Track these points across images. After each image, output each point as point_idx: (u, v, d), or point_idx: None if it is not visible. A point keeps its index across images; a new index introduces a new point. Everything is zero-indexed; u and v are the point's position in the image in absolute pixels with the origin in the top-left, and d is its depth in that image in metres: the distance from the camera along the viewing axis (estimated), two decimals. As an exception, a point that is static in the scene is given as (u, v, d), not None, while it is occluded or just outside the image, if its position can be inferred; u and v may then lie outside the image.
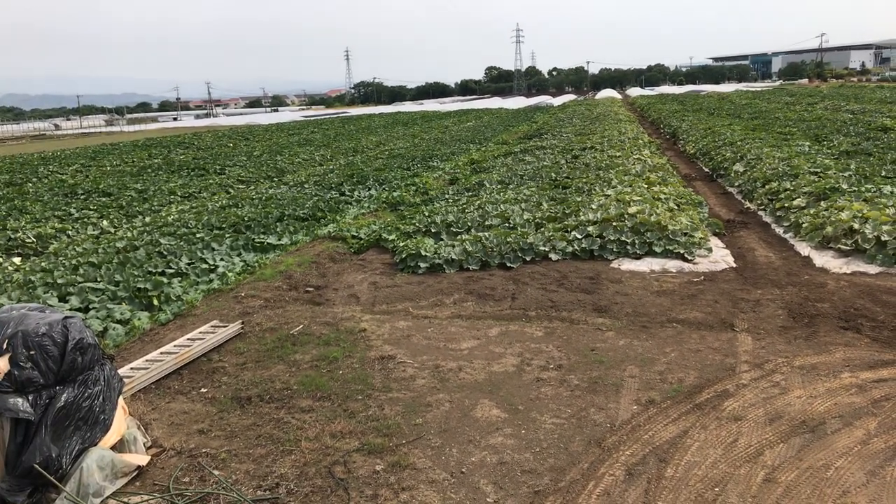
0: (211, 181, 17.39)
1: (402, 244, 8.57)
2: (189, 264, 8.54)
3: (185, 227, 10.54)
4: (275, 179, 17.58)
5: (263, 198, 13.43)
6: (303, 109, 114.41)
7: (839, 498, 3.36)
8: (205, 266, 8.54)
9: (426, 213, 10.43)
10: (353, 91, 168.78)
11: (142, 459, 3.89)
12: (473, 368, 5.13)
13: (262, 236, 10.05)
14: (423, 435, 4.15)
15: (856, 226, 7.58)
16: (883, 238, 7.21)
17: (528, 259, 8.09)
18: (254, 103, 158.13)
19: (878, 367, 4.79)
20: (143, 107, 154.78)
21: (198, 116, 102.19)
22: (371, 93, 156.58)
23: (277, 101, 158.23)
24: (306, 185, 15.17)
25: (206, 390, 4.95)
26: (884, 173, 10.98)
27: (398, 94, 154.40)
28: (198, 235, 9.81)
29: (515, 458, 3.86)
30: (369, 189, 14.79)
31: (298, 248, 9.30)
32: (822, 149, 14.48)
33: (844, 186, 9.51)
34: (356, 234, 9.73)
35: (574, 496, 3.46)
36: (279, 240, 9.94)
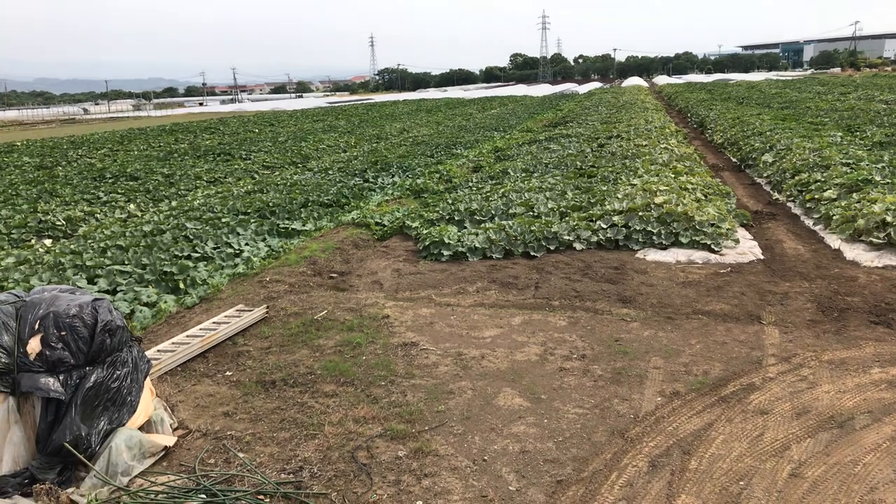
0: (236, 166, 17.52)
1: (425, 231, 8.57)
2: (215, 249, 8.62)
3: (210, 212, 10.63)
4: (299, 165, 17.66)
5: (288, 183, 13.50)
6: (327, 96, 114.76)
7: (867, 494, 3.30)
8: (230, 251, 8.62)
9: (450, 201, 10.41)
10: (377, 77, 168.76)
11: (168, 440, 3.95)
12: (496, 357, 5.13)
13: (286, 222, 10.12)
14: (446, 422, 4.16)
15: (889, 218, 7.42)
16: (916, 231, 7.06)
17: (552, 248, 8.05)
18: (279, 89, 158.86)
19: (909, 362, 4.70)
20: (170, 92, 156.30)
21: (223, 102, 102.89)
22: (395, 79, 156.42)
23: (302, 88, 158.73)
24: (330, 172, 15.22)
25: (231, 373, 5.01)
26: (918, 165, 10.72)
27: (422, 80, 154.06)
28: (223, 220, 9.90)
29: (538, 447, 3.86)
30: (393, 176, 14.80)
31: (322, 234, 9.35)
32: (855, 139, 14.19)
33: (877, 178, 9.31)
34: (379, 221, 9.75)
35: (597, 486, 3.45)
36: (303, 225, 10.00)
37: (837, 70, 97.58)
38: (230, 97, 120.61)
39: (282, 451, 3.90)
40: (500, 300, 6.46)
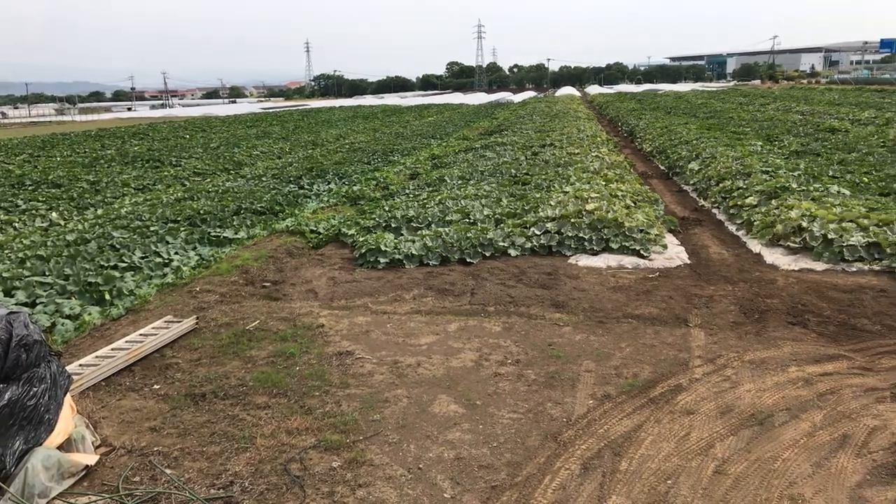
0: (166, 173, 17.03)
1: (361, 239, 8.52)
2: (142, 258, 8.34)
3: (138, 220, 10.29)
4: (232, 172, 17.30)
5: (220, 191, 13.21)
6: (261, 101, 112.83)
7: (786, 489, 3.45)
8: (159, 260, 8.36)
9: (386, 208, 10.39)
10: (312, 83, 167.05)
11: (90, 459, 3.79)
12: (432, 364, 5.13)
13: (218, 230, 9.88)
14: (381, 431, 4.13)
15: (804, 224, 7.80)
16: (829, 236, 7.44)
17: (487, 254, 8.12)
18: (211, 94, 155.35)
19: (823, 361, 4.95)
20: (96, 96, 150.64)
21: (153, 107, 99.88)
22: (331, 86, 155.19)
23: (235, 93, 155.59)
24: (264, 179, 14.96)
25: (158, 387, 4.85)
26: (831, 173, 11.34)
27: (359, 87, 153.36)
28: (152, 228, 9.60)
29: (473, 453, 3.87)
30: (329, 183, 14.66)
31: (255, 243, 9.17)
32: (774, 148, 14.87)
33: (794, 185, 9.78)
34: (315, 229, 9.63)
35: (530, 491, 3.49)
36: (236, 234, 9.79)
37: (758, 82, 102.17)
38: (160, 102, 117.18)
39: (211, 466, 3.79)
40: (437, 307, 6.47)
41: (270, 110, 63.62)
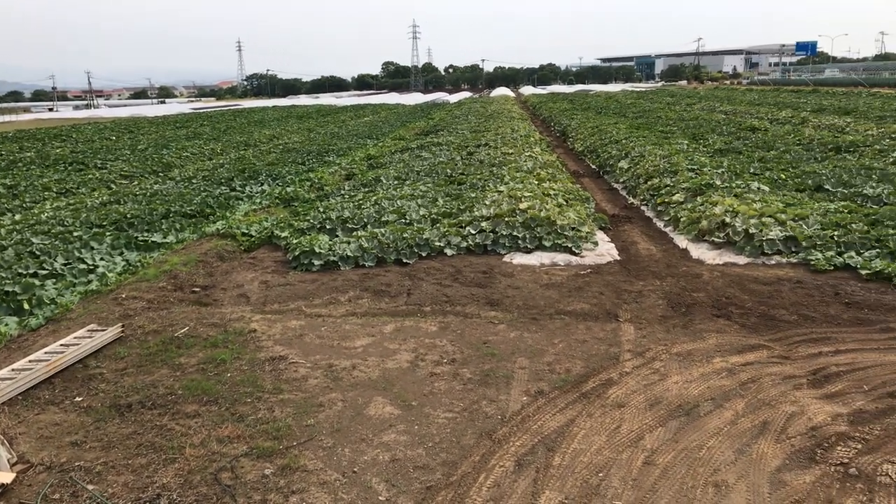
0: (91, 176, 16.37)
1: (295, 241, 8.39)
2: (65, 265, 8.00)
3: (60, 226, 9.87)
4: (161, 174, 16.78)
5: (148, 193, 12.79)
6: (192, 101, 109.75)
7: (710, 476, 3.57)
8: (83, 266, 8.04)
9: (321, 209, 10.26)
10: (245, 83, 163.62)
11: (5, 477, 3.61)
12: (367, 366, 5.10)
13: (146, 234, 9.58)
14: (315, 436, 4.08)
15: (727, 220, 8.11)
16: (751, 231, 7.75)
17: (423, 254, 8.12)
18: (139, 94, 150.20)
19: (745, 351, 5.15)
20: (14, 96, 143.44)
21: (77, 107, 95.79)
22: (264, 85, 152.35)
23: (165, 93, 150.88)
24: (194, 181, 14.57)
25: (81, 399, 4.65)
26: (752, 170, 11.82)
27: (293, 87, 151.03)
28: (75, 234, 9.21)
29: (408, 454, 3.87)
30: (262, 184, 14.39)
31: (185, 247, 8.91)
32: (699, 147, 15.40)
33: (718, 183, 10.15)
34: (246, 232, 9.43)
35: (465, 489, 3.51)
36: (164, 238, 9.50)
37: (684, 83, 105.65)
38: (85, 102, 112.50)
39: (137, 479, 3.66)
40: (373, 308, 6.43)
41: (201, 110, 61.98)
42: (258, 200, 12.58)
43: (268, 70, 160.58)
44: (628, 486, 3.50)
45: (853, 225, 7.80)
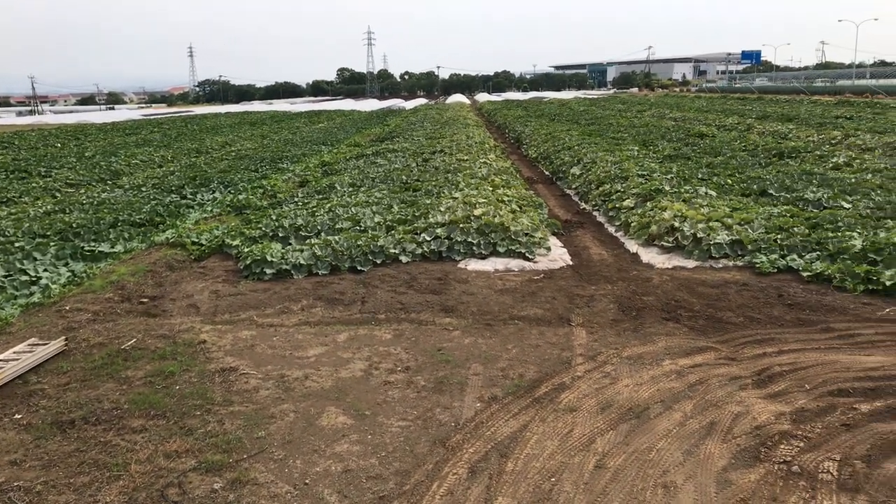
0: (34, 184, 15.84)
1: (246, 250, 8.26)
2: (5, 276, 7.73)
3: (1, 236, 9.52)
4: (109, 182, 16.35)
5: (95, 202, 12.46)
6: (142, 108, 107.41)
7: (660, 478, 3.63)
8: (24, 278, 7.77)
9: (274, 217, 10.14)
10: (197, 89, 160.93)
11: (-62, 500, 3.46)
12: (320, 376, 5.05)
13: (92, 244, 9.31)
14: (266, 448, 4.01)
15: (676, 224, 8.29)
16: (698, 235, 7.94)
17: (378, 262, 8.08)
18: (87, 100, 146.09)
19: (693, 353, 5.26)
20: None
21: (20, 113, 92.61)
22: (217, 91, 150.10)
23: (114, 99, 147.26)
24: (144, 188, 14.25)
25: (20, 416, 4.49)
26: (700, 176, 12.12)
27: (246, 93, 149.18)
28: (17, 244, 8.89)
29: (361, 464, 3.83)
30: (213, 192, 14.16)
31: (133, 256, 8.70)
32: (649, 153, 15.73)
33: (667, 188, 10.38)
34: (197, 240, 9.25)
35: (418, 498, 3.50)
36: (112, 247, 9.26)
37: (636, 90, 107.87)
38: (29, 108, 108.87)
39: (79, 499, 3.55)
40: (326, 317, 6.38)
41: (152, 117, 60.69)
42: (209, 208, 12.37)
43: (221, 76, 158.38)
44: (580, 490, 3.54)
45: (795, 228, 8.06)
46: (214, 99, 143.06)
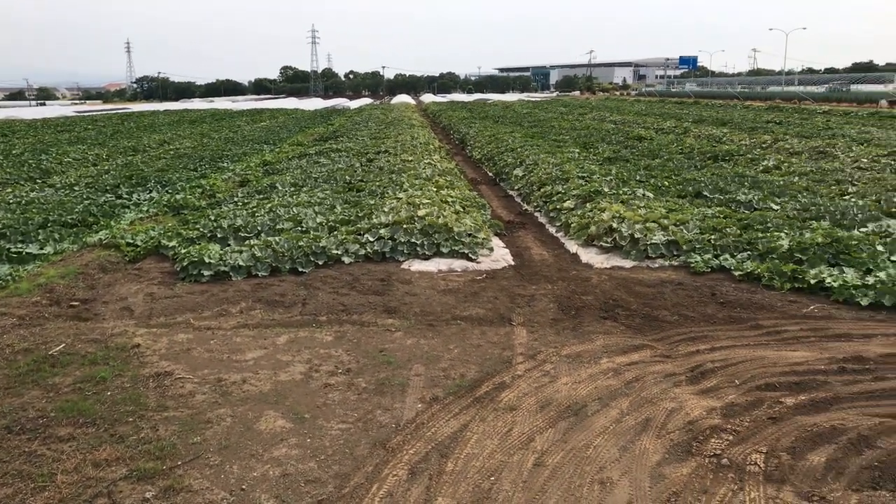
0: (-46, 183, 15.09)
1: (183, 251, 8.06)
2: (-79, 280, 7.33)
3: (-84, 237, 9.03)
4: (39, 181, 15.68)
5: (23, 202, 11.93)
6: (76, 104, 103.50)
7: (596, 474, 3.70)
8: (-58, 282, 7.38)
9: (212, 217, 9.91)
10: (135, 86, 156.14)
11: None
12: (259, 379, 4.96)
13: (20, 245, 8.92)
14: (202, 454, 3.92)
15: (614, 225, 8.47)
16: (636, 236, 8.13)
17: (320, 263, 8.00)
18: (15, 95, 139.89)
19: (630, 351, 5.39)
20: None
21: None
22: (156, 88, 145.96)
23: (45, 94, 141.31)
24: (77, 188, 13.73)
25: (-63, 427, 4.27)
26: (638, 177, 12.42)
27: (186, 90, 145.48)
28: (-66, 246, 8.45)
29: (299, 468, 3.79)
30: (150, 191, 13.75)
31: (63, 258, 8.37)
32: (590, 155, 16.03)
33: (606, 190, 10.59)
34: (132, 241, 8.97)
35: (357, 501, 3.47)
36: (41, 249, 8.89)
37: (577, 93, 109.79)
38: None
39: (1, 511, 3.40)
40: (266, 320, 6.27)
41: (86, 113, 58.53)
42: (146, 208, 12.01)
43: (159, 73, 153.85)
44: (519, 489, 3.58)
45: (728, 229, 8.33)
46: (153, 96, 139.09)
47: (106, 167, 17.44)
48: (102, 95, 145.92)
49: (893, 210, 9.66)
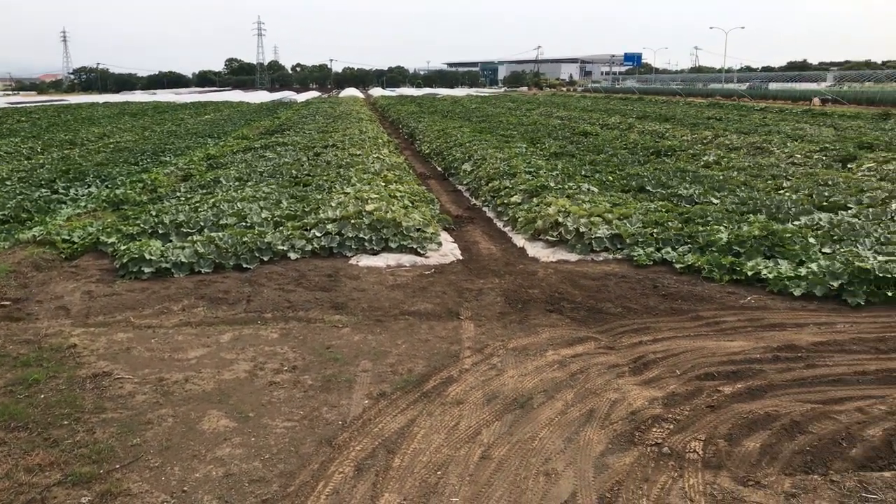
0: None
1: (123, 247, 7.82)
2: None
3: None
4: (-35, 176, 14.99)
5: (-52, 197, 11.40)
6: (8, 95, 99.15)
7: (542, 466, 3.75)
8: None
9: (153, 213, 9.63)
10: (72, 77, 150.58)
11: None
12: (202, 378, 4.86)
13: (-56, 243, 8.51)
14: (141, 456, 3.82)
15: (560, 219, 8.58)
16: (581, 230, 8.25)
17: (265, 259, 7.88)
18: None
19: (575, 343, 5.47)
20: None
21: None
22: (94, 80, 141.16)
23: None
24: (8, 182, 13.20)
25: None
26: (583, 172, 12.61)
27: (127, 82, 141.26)
28: None
29: (243, 468, 3.72)
30: (89, 186, 13.31)
31: (-7, 256, 8.02)
32: (537, 150, 16.19)
33: (552, 184, 10.72)
34: (69, 238, 8.66)
35: (303, 499, 3.44)
36: (-32, 247, 8.50)
37: (525, 89, 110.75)
38: None
39: (-74, 522, 3.24)
40: (209, 317, 6.14)
41: (19, 105, 56.20)
42: (84, 204, 11.61)
43: (98, 64, 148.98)
44: (465, 482, 3.59)
45: (669, 223, 8.54)
46: (91, 88, 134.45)
47: (41, 161, 16.80)
48: (37, 86, 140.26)
49: (825, 204, 10.07)
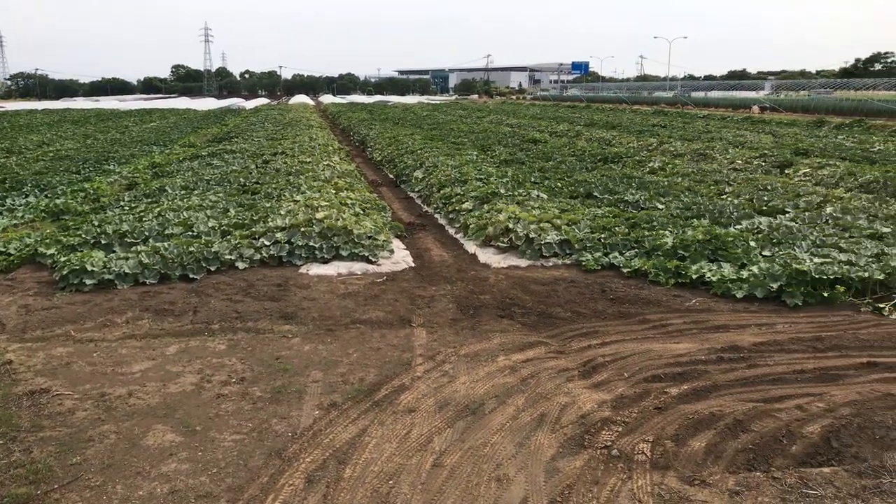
0: None
1: (63, 259, 7.56)
2: None
3: None
4: None
5: None
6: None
7: (493, 471, 3.76)
8: None
9: (96, 223, 9.35)
10: (8, 83, 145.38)
11: None
12: (146, 392, 4.72)
13: None
14: (82, 475, 3.69)
15: (510, 225, 8.66)
16: (531, 236, 8.34)
17: (213, 269, 7.72)
18: None
19: (526, 348, 5.51)
20: None
21: None
22: (33, 86, 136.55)
23: None
24: (-62, 193, 12.62)
25: None
26: (533, 179, 12.76)
27: (68, 88, 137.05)
28: None
29: (190, 483, 3.63)
30: (26, 196, 12.83)
31: (-78, 270, 7.67)
32: (487, 158, 16.33)
33: (503, 191, 10.82)
34: (4, 250, 8.34)
35: (252, 513, 3.37)
36: None
37: (476, 97, 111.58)
38: None
39: None
40: (154, 329, 5.98)
41: (-50, 111, 53.89)
42: (21, 214, 11.19)
43: (37, 69, 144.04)
44: (417, 491, 3.58)
45: (617, 228, 8.70)
46: (30, 94, 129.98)
47: (-26, 170, 16.13)
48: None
49: (764, 208, 10.41)
